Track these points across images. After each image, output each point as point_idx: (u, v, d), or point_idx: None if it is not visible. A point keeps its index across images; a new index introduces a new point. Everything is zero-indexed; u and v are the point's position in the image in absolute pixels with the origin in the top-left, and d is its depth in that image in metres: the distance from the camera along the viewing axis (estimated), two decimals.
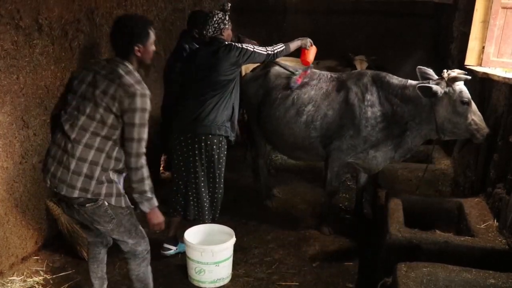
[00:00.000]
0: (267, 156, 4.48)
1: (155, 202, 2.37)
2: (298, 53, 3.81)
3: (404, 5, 6.43)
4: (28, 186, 3.22)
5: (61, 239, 3.45)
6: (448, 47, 5.47)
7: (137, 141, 2.25)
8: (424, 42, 6.78)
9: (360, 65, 5.85)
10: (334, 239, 3.80)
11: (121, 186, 2.41)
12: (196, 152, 3.23)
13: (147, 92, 2.27)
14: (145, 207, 2.35)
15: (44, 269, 3.22)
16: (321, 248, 3.66)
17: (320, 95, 3.71)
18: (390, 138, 3.56)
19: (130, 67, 2.32)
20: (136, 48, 2.32)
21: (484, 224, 2.93)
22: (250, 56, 3.25)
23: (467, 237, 2.82)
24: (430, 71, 3.45)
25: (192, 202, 3.35)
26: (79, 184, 2.24)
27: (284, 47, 3.47)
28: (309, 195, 4.73)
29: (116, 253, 2.79)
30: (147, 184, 2.31)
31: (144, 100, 2.24)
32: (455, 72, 3.24)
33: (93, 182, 2.26)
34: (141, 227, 2.52)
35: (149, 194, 2.32)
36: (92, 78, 2.29)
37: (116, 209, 2.36)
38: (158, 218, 2.41)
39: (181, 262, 3.32)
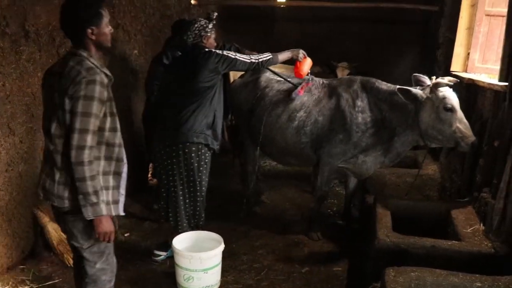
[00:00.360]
0: (256, 162, 4.48)
1: (102, 210, 2.07)
2: (294, 62, 3.69)
3: (392, 12, 6.49)
4: (14, 194, 3.17)
5: (48, 248, 3.40)
6: (435, 53, 5.54)
7: (79, 131, 1.99)
8: (412, 49, 6.86)
9: (342, 72, 5.91)
10: (323, 245, 3.81)
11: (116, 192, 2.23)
12: (175, 160, 3.19)
13: (97, 78, 2.02)
14: (88, 212, 2.05)
15: (30, 278, 3.16)
16: (310, 254, 3.66)
17: (312, 101, 3.72)
18: (379, 143, 3.58)
19: (84, 54, 2.09)
20: (89, 31, 2.08)
21: (471, 228, 2.96)
22: (231, 64, 3.17)
23: (454, 242, 2.84)
24: (425, 78, 3.42)
25: (170, 209, 3.33)
26: (66, 194, 2.15)
27: (271, 57, 3.35)
28: (298, 200, 4.74)
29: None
30: (90, 185, 2.02)
31: (91, 87, 1.99)
32: (445, 79, 3.24)
33: None
34: (115, 258, 2.38)
35: (93, 198, 2.03)
36: (51, 82, 2.14)
37: None
38: (106, 227, 2.11)
39: (170, 269, 3.30)
